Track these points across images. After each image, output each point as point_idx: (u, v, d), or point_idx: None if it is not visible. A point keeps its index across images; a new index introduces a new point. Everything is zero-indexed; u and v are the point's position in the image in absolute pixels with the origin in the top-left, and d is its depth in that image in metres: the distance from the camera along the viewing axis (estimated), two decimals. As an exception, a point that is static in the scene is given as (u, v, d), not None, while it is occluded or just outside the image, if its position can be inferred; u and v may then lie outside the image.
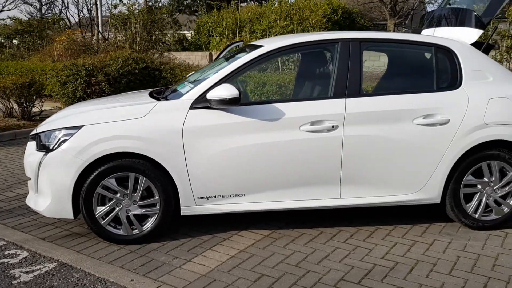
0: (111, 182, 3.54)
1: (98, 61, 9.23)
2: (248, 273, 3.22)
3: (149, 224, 3.65)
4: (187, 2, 30.27)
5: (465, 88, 3.79)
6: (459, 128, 3.70)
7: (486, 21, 3.98)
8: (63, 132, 3.57)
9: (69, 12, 25.82)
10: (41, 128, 3.79)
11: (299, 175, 3.67)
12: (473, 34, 4.00)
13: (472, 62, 3.87)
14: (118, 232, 3.64)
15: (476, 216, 3.88)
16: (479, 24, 4.00)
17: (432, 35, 4.37)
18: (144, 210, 3.62)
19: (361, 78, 3.72)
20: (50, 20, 17.70)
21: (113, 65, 9.14)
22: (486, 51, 4.09)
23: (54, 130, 3.62)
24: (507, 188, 3.87)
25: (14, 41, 16.86)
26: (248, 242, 3.71)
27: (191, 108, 3.57)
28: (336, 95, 3.68)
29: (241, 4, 20.70)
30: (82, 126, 3.56)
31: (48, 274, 3.21)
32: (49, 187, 3.56)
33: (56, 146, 3.55)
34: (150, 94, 4.10)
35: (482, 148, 3.77)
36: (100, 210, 3.57)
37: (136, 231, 3.65)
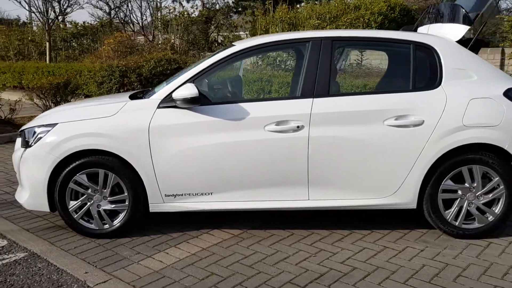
0: (83, 178, 3.69)
1: (132, 62, 9.58)
2: (199, 271, 3.24)
3: (119, 220, 3.76)
4: (245, 3, 30.61)
5: (444, 87, 3.58)
6: (435, 130, 3.51)
7: (473, 16, 3.74)
8: (40, 129, 3.77)
9: (133, 16, 26.69)
10: (27, 125, 4.02)
11: (265, 176, 3.64)
12: (460, 30, 3.78)
13: (454, 60, 3.65)
14: (90, 226, 3.79)
15: (456, 223, 3.65)
16: (466, 20, 3.77)
17: (425, 32, 4.16)
18: (114, 205, 3.75)
19: (330, 77, 3.63)
20: (100, 24, 18.54)
21: (146, 66, 9.46)
22: (475, 48, 3.85)
23: (34, 127, 3.83)
24: (491, 195, 3.62)
25: (73, 43, 17.83)
26: (215, 241, 3.73)
27: (158, 107, 3.65)
28: (303, 95, 3.61)
29: (300, 4, 20.61)
30: (57, 124, 3.74)
31: (15, 263, 3.41)
32: (27, 181, 3.77)
33: (33, 142, 3.75)
34: (133, 95, 4.21)
35: (463, 151, 3.55)
36: (73, 204, 3.74)
37: (107, 226, 3.78)
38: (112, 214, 3.79)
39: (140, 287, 3.05)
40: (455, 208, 3.64)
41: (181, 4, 14.34)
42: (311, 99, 3.59)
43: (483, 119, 3.51)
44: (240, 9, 30.71)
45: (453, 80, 3.61)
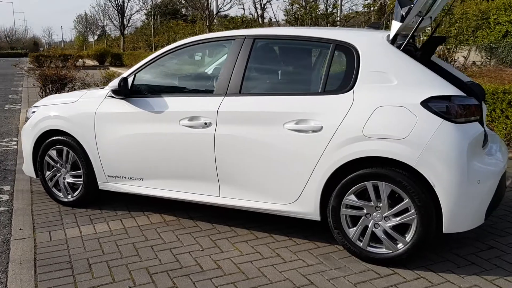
0: (53, 153, 4.39)
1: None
2: (94, 245, 3.61)
3: (77, 192, 4.37)
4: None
5: (355, 92, 3.23)
6: (333, 138, 3.20)
7: (405, 12, 3.22)
8: (32, 109, 4.60)
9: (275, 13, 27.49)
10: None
11: (182, 168, 3.80)
12: (394, 27, 3.31)
13: (374, 62, 3.25)
14: (59, 194, 4.48)
15: (361, 244, 3.27)
16: (399, 17, 3.28)
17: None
18: (73, 179, 4.36)
19: (244, 76, 3.58)
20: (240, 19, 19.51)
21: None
22: (427, 47, 3.36)
23: (32, 107, 4.68)
24: (398, 219, 3.14)
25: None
26: (142, 223, 4.04)
27: (107, 96, 4.11)
28: (218, 93, 3.66)
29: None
30: (40, 106, 4.51)
31: (-9, 213, 4.31)
32: (23, 151, 4.65)
33: (27, 120, 4.60)
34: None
35: (369, 164, 3.16)
36: (47, 174, 4.48)
37: (69, 196, 4.42)
38: (73, 187, 4.41)
39: (41, 248, 3.58)
40: (359, 227, 3.27)
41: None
42: (222, 97, 3.61)
43: (386, 130, 3.06)
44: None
45: (368, 84, 3.21)
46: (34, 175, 4.61)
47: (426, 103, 3.02)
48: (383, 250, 3.21)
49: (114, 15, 34.74)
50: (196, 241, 3.68)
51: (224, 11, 20.00)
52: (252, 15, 22.47)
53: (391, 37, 3.33)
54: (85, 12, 61.34)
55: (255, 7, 24.31)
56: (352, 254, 3.34)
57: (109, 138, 4.05)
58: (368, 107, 3.14)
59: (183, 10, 45.02)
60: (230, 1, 22.86)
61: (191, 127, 3.67)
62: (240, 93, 3.57)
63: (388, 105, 3.10)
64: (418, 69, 3.18)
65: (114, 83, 3.87)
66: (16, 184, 5.15)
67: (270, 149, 3.42)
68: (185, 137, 3.71)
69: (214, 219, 4.08)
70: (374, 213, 3.21)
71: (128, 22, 33.28)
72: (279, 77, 3.71)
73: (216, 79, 3.74)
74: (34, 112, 4.56)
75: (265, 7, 25.09)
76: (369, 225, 3.23)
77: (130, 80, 3.99)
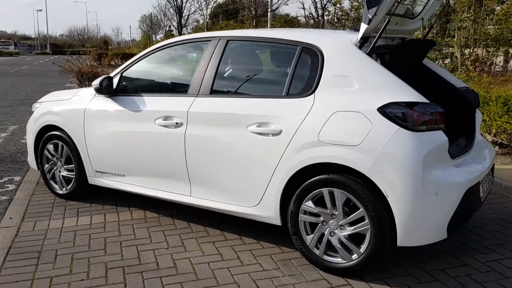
0: (50, 147, 4.61)
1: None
2: (69, 237, 3.76)
3: (70, 186, 4.56)
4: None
5: (316, 96, 3.15)
6: (290, 143, 3.14)
7: (371, 14, 3.08)
8: (36, 105, 4.85)
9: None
10: None
11: (157, 167, 3.87)
12: (361, 30, 3.18)
13: (338, 66, 3.15)
14: (55, 187, 4.70)
15: (318, 252, 3.19)
16: (368, 19, 3.15)
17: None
18: (67, 173, 4.56)
19: (215, 77, 3.59)
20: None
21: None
22: (409, 49, 3.25)
23: (37, 102, 4.93)
24: (352, 228, 3.03)
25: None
26: (123, 218, 4.15)
27: (95, 94, 4.25)
28: (191, 93, 3.69)
29: None
30: (42, 102, 4.75)
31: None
32: (28, 144, 4.91)
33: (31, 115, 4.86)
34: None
35: (326, 170, 3.07)
36: (46, 167, 4.71)
37: (64, 189, 4.62)
38: (68, 180, 4.60)
39: (20, 236, 3.78)
40: (316, 234, 3.18)
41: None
42: (194, 97, 3.64)
43: (340, 136, 2.96)
44: None
45: (330, 88, 3.12)
46: (35, 167, 4.86)
47: (383, 109, 2.89)
48: (339, 260, 3.11)
49: (173, 16, 35.75)
50: (166, 239, 3.74)
51: (272, 10, 19.94)
52: (313, 15, 22.28)
53: (358, 40, 3.21)
54: (150, 12, 63.46)
55: (315, 7, 24.10)
56: (310, 262, 3.26)
57: (96, 135, 4.19)
58: (326, 112, 3.05)
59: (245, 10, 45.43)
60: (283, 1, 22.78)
61: (165, 126, 3.73)
62: (210, 94, 3.58)
63: (346, 111, 3.00)
64: (381, 74, 3.05)
65: (96, 82, 4.01)
66: (27, 176, 5.45)
67: (234, 151, 3.41)
68: (159, 136, 3.77)
69: (193, 219, 4.11)
70: (331, 221, 3.11)
71: (186, 22, 34.11)
72: (248, 79, 3.68)
73: (190, 79, 3.77)
74: (37, 107, 4.81)
75: (325, 7, 24.83)
76: (325, 233, 3.14)
77: (116, 79, 4.11)
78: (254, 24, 19.55)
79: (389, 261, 3.29)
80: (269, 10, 20.32)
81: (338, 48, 3.22)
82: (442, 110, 2.95)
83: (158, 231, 3.89)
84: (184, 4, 33.56)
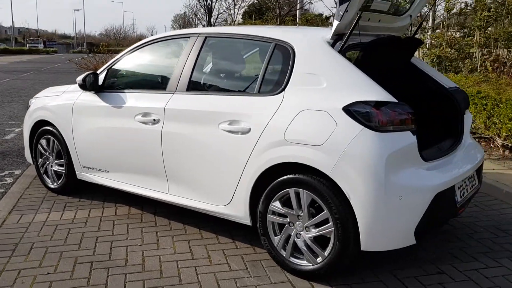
0: (43, 142, 4.69)
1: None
2: (48, 230, 3.81)
3: (60, 180, 4.63)
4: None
5: (286, 94, 3.07)
6: (258, 141, 3.08)
7: (342, 11, 2.98)
8: (32, 100, 4.94)
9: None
10: None
11: (136, 163, 3.88)
12: (333, 27, 3.09)
13: (308, 63, 3.07)
14: (48, 181, 4.77)
15: (285, 254, 3.11)
16: (340, 16, 3.05)
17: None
18: (57, 167, 4.63)
19: (192, 73, 3.56)
20: None
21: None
22: (389, 47, 3.15)
23: (34, 98, 5.02)
24: (317, 230, 2.94)
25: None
26: (107, 214, 4.18)
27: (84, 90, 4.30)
28: (169, 90, 3.67)
29: None
30: (37, 97, 4.83)
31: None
32: (24, 138, 5.01)
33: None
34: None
35: (293, 170, 3.00)
36: (39, 161, 4.79)
37: (55, 184, 4.69)
38: (59, 175, 4.67)
39: (3, 229, 3.86)
40: (282, 235, 3.11)
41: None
42: (171, 94, 3.62)
43: (305, 135, 2.88)
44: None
45: (299, 86, 3.04)
46: (31, 162, 4.95)
47: (348, 108, 2.79)
48: (304, 262, 3.03)
49: (203, 15, 35.96)
50: (142, 236, 3.73)
51: (300, 8, 19.75)
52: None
53: (330, 37, 3.12)
54: (184, 12, 64.07)
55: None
56: (277, 264, 3.19)
57: (82, 130, 4.23)
58: (293, 111, 2.97)
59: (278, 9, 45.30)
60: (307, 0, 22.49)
61: (144, 123, 3.73)
62: (187, 90, 3.56)
63: (312, 109, 2.91)
64: (350, 72, 2.95)
65: (80, 78, 4.04)
66: (27, 170, 5.57)
67: (207, 149, 3.37)
68: (138, 133, 3.77)
69: (174, 216, 4.10)
70: (297, 222, 3.04)
71: (215, 22, 34.27)
72: (223, 76, 3.64)
73: (169, 75, 3.75)
74: (33, 102, 4.90)
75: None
76: (292, 235, 3.07)
77: (103, 75, 4.14)
78: (278, 23, 19.46)
79: (362, 265, 3.19)
80: (297, 8, 20.17)
81: (309, 45, 3.14)
82: (411, 111, 2.83)
83: (137, 227, 3.89)
84: (213, 4, 33.77)
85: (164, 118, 3.59)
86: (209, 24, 34.88)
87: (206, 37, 3.61)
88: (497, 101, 6.05)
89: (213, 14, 34.37)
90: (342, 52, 3.06)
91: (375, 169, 2.69)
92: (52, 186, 4.70)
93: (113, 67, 4.18)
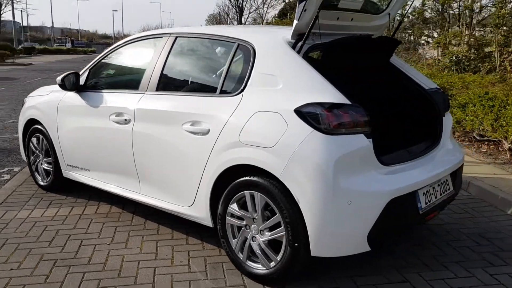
0: (34, 140, 4.81)
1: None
2: (26, 227, 3.90)
3: (49, 177, 4.73)
4: None
5: (244, 95, 3.03)
6: (216, 142, 3.05)
7: (300, 9, 2.90)
8: (26, 98, 5.06)
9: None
10: None
11: (111, 162, 3.91)
12: (293, 26, 3.02)
13: (266, 64, 3.01)
14: (38, 178, 4.88)
15: (241, 257, 3.07)
16: (299, 15, 2.97)
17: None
18: (46, 165, 4.73)
19: (162, 74, 3.56)
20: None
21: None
22: (349, 47, 3.09)
23: (28, 97, 5.14)
24: (270, 234, 2.88)
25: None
26: (88, 212, 4.24)
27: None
28: (141, 89, 3.68)
29: None
30: (31, 96, 4.95)
31: (-20, 190, 4.86)
32: (19, 136, 5.15)
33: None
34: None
35: (249, 172, 2.95)
36: (31, 159, 4.91)
37: (45, 181, 4.80)
38: (48, 173, 4.76)
39: (-12, 224, 3.98)
40: (239, 238, 3.06)
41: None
42: (142, 94, 3.64)
43: (257, 137, 2.82)
44: None
45: (257, 87, 2.99)
46: (25, 159, 5.08)
47: (299, 110, 2.72)
48: (260, 266, 2.98)
49: (235, 15, 36.19)
50: (114, 235, 3.76)
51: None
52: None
53: (291, 37, 3.04)
54: (218, 12, 64.57)
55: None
56: (235, 267, 3.15)
57: (66, 129, 4.31)
58: (248, 112, 2.92)
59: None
60: None
61: (117, 122, 3.75)
62: (156, 91, 3.56)
63: (266, 111, 2.86)
64: (308, 73, 2.86)
65: (59, 78, 4.11)
66: (26, 167, 5.71)
67: (172, 150, 3.36)
68: (112, 132, 3.81)
69: (151, 216, 4.11)
70: (252, 225, 2.99)
71: (246, 21, 34.43)
72: (189, 76, 3.62)
73: (142, 76, 3.76)
74: (27, 101, 5.02)
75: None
76: (248, 237, 3.02)
77: (85, 75, 4.20)
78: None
79: (321, 270, 3.11)
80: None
81: (269, 45, 3.08)
82: (365, 113, 2.73)
83: (112, 226, 3.92)
84: (244, 4, 33.92)
85: (134, 118, 3.61)
86: (239, 23, 35.04)
87: (176, 37, 3.60)
88: (504, 102, 5.79)
89: (244, 13, 34.52)
90: (302, 52, 2.98)
91: (323, 173, 2.61)
92: (42, 184, 4.81)
93: (94, 67, 4.23)
